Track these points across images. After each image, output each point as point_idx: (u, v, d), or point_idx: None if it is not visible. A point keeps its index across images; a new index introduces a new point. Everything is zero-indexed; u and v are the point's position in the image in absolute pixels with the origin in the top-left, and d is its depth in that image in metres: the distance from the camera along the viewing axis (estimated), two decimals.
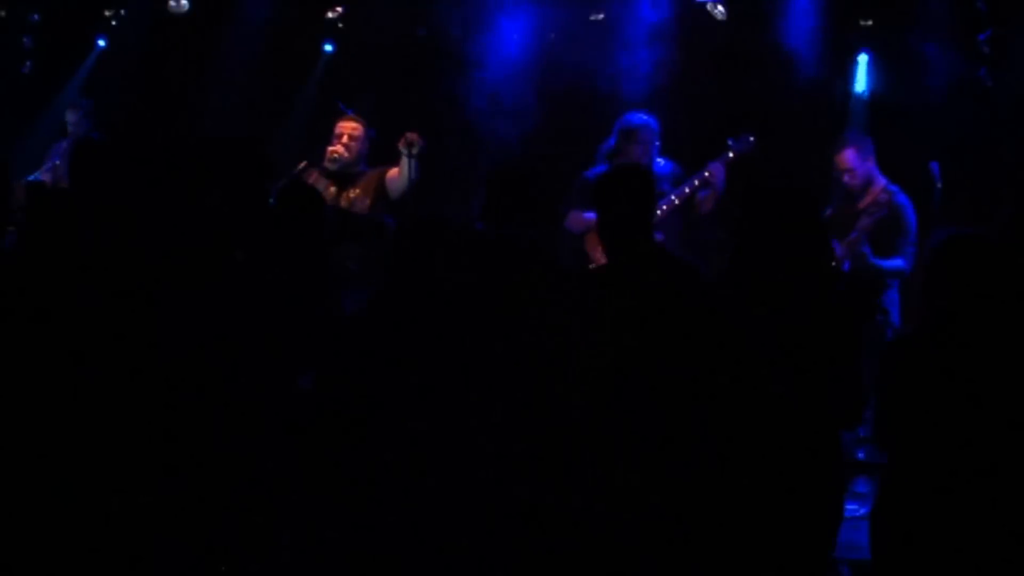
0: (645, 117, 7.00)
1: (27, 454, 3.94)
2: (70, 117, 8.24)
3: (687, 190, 6.93)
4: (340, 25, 9.14)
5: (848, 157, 6.76)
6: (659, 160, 7.00)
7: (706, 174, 6.91)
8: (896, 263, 6.63)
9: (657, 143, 6.95)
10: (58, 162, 7.70)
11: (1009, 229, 4.39)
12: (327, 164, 6.76)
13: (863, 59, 8.18)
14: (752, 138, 6.98)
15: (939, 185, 6.57)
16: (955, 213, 6.80)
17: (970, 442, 3.42)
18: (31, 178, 7.53)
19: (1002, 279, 3.49)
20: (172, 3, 8.84)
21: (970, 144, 7.44)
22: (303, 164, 6.89)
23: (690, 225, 7.04)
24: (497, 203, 4.57)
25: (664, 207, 6.76)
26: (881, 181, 6.78)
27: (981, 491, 3.42)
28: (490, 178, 4.73)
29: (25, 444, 3.94)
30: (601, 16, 8.61)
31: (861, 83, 8.16)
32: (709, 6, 8.14)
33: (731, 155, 6.96)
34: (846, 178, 6.76)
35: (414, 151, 6.48)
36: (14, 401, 3.97)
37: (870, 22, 8.13)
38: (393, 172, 6.66)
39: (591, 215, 6.82)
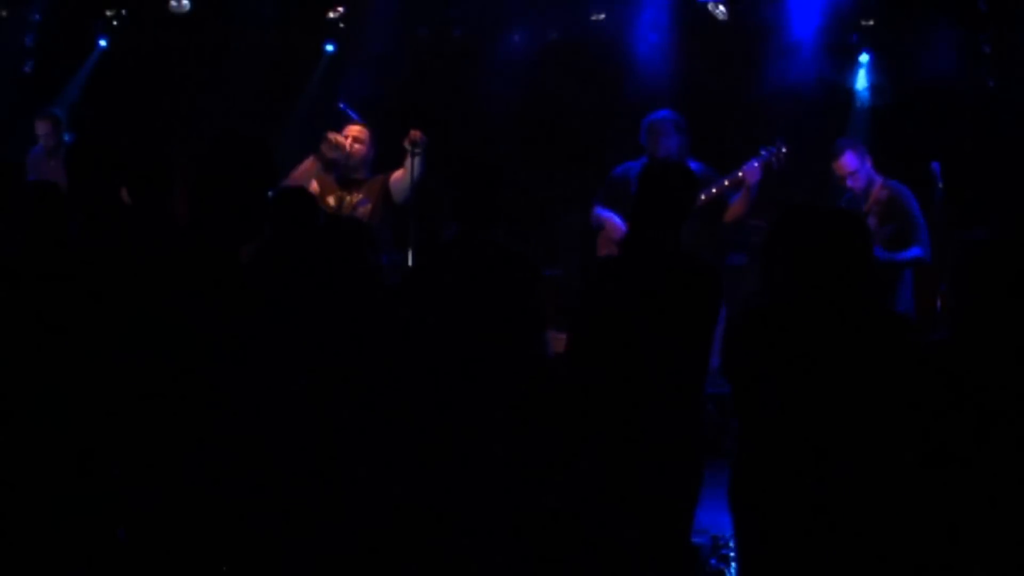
0: (664, 111, 6.92)
1: (28, 454, 3.94)
2: (40, 129, 8.08)
3: (714, 190, 6.77)
4: (341, 25, 9.16)
5: (848, 161, 6.75)
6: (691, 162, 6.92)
7: (739, 174, 6.77)
8: (913, 252, 6.58)
9: (677, 136, 6.83)
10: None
11: (1012, 229, 4.40)
12: (324, 149, 6.55)
13: (864, 59, 8.22)
14: (784, 148, 6.80)
15: (940, 185, 6.59)
16: (955, 213, 6.83)
17: (1015, 446, 3.40)
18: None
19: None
20: (173, 3, 8.83)
21: (970, 144, 7.46)
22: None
23: (713, 231, 6.87)
24: (469, 203, 4.51)
25: None
26: (878, 180, 6.78)
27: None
28: (461, 178, 4.66)
29: (25, 444, 3.94)
30: (603, 16, 8.63)
31: (862, 83, 8.19)
32: (710, 6, 8.15)
33: (764, 155, 6.79)
34: (849, 182, 6.75)
35: (418, 149, 6.44)
36: (14, 401, 3.97)
37: (871, 22, 8.15)
38: (398, 174, 6.57)
39: (608, 213, 6.84)
